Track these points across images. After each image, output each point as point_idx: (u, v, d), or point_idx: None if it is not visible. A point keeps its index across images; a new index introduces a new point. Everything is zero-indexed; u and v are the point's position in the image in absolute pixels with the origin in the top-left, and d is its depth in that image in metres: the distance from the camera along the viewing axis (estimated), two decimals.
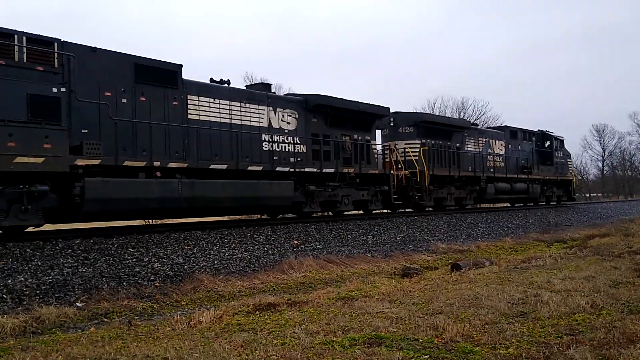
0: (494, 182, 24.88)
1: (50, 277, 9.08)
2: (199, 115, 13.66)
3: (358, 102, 18.37)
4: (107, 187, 11.22)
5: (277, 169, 15.16)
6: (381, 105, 19.34)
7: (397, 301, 7.62)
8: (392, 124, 21.27)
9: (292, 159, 15.91)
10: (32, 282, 8.75)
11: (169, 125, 12.83)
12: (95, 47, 11.80)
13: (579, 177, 52.71)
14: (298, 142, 16.20)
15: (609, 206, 35.16)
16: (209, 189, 13.09)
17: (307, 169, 16.04)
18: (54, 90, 10.50)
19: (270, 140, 15.37)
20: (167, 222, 15.13)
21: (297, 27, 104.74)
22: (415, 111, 22.72)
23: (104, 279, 9.48)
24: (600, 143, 79.86)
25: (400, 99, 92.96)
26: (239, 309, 7.53)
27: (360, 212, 19.37)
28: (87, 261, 10.00)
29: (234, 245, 12.67)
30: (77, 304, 8.38)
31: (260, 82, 17.15)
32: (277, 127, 15.72)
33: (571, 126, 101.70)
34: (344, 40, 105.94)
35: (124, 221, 14.29)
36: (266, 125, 15.38)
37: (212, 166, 13.50)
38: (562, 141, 32.19)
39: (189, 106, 13.46)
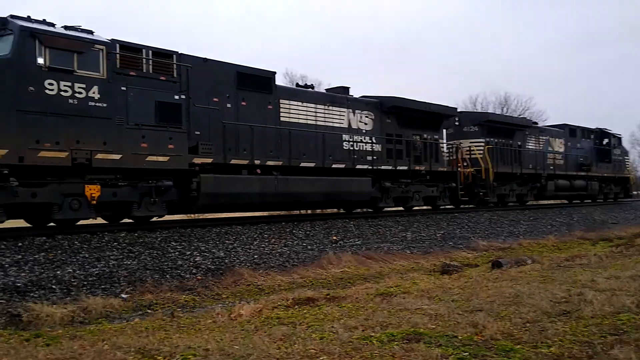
0: (554, 179, 25.39)
1: (97, 269, 9.39)
2: (289, 117, 14.97)
3: (428, 103, 19.49)
4: (218, 183, 12.65)
5: (357, 166, 16.36)
6: (448, 105, 20.57)
7: (436, 298, 7.58)
8: (457, 123, 22.08)
9: (369, 158, 16.97)
10: (80, 274, 9.08)
11: (265, 127, 14.14)
12: (206, 58, 13.16)
13: None
14: (374, 141, 17.25)
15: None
16: (301, 185, 14.49)
17: (383, 167, 17.20)
18: (176, 97, 12.10)
19: (350, 140, 16.53)
20: (208, 217, 15.42)
21: (336, 22, 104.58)
22: (480, 111, 23.88)
23: (147, 271, 9.76)
24: (616, 133, 77.04)
25: (442, 94, 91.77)
26: (279, 303, 7.63)
27: (429, 207, 20.05)
28: (131, 254, 10.29)
29: (273, 240, 12.82)
30: (122, 295, 8.65)
31: (340, 85, 18.28)
32: (356, 127, 16.86)
33: (619, 122, 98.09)
34: (386, 34, 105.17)
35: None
36: (346, 126, 16.56)
37: (302, 164, 14.85)
38: (619, 139, 32.65)
39: (281, 109, 14.81)
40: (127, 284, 9.15)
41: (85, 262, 9.53)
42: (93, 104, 10.73)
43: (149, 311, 8.00)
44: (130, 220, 12.28)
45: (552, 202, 28.43)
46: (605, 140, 30.91)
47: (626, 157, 33.64)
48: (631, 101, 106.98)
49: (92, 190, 10.79)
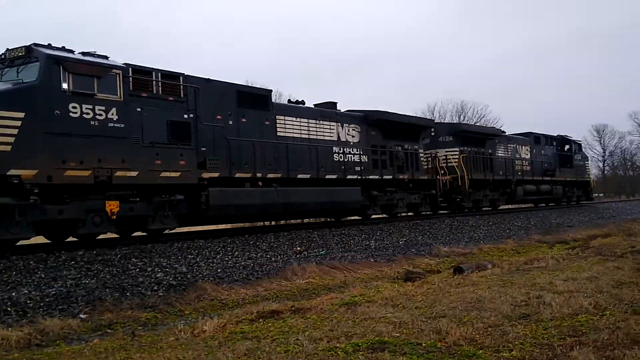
0: (522, 184, 27.36)
1: (54, 289, 9.09)
2: (285, 132, 16.11)
3: (409, 115, 21.84)
4: (225, 195, 13.61)
5: (348, 177, 17.69)
6: (426, 117, 23.34)
7: (400, 305, 7.62)
8: (433, 134, 23.58)
9: (357, 168, 18.25)
10: (36, 295, 8.77)
11: (264, 142, 15.21)
12: (209, 79, 14.17)
13: None
14: (361, 152, 18.61)
15: (610, 206, 35.11)
16: (298, 195, 15.63)
17: (371, 177, 18.55)
18: (185, 116, 13.05)
19: (340, 152, 17.79)
20: (170, 233, 15.17)
21: (298, 36, 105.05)
22: (453, 122, 26.02)
23: (107, 289, 9.50)
24: (601, 143, 79.97)
25: (401, 104, 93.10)
26: (243, 317, 7.53)
27: (411, 213, 21.47)
28: (90, 272, 10.02)
29: (237, 253, 12.70)
30: (81, 316, 8.39)
31: (329, 101, 19.76)
32: (345, 140, 18.16)
33: (571, 127, 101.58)
34: (344, 48, 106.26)
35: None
36: (336, 139, 17.84)
37: (299, 176, 15.99)
38: (580, 145, 35.34)
39: (278, 125, 15.93)
40: (86, 303, 8.88)
41: (42, 283, 9.22)
42: (112, 124, 11.57)
43: (109, 331, 7.77)
44: (143, 233, 13.31)
45: (522, 205, 30.07)
46: (567, 147, 32.98)
47: (586, 162, 36.12)
48: (584, 108, 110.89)
49: (112, 206, 11.58)
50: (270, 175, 15.05)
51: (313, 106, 18.44)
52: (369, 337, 5.85)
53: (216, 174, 13.52)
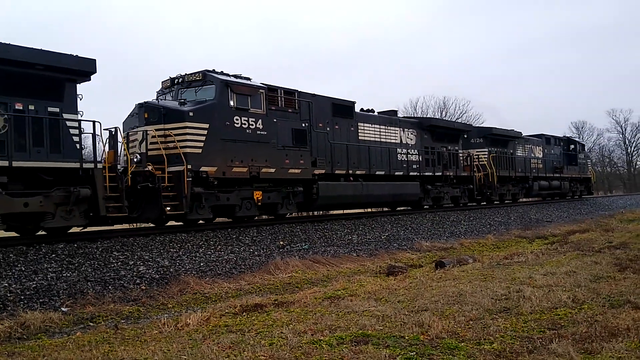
0: (537, 180, 31.20)
1: (34, 282, 9.01)
2: (364, 136, 19.34)
3: (453, 121, 28.08)
4: (329, 187, 17.02)
5: (411, 173, 21.19)
6: (466, 123, 27.50)
7: (382, 299, 7.70)
8: (465, 136, 26.61)
9: (414, 166, 21.63)
10: (16, 288, 8.69)
11: (352, 145, 18.49)
12: (314, 94, 17.29)
13: None
14: (417, 153, 21.94)
15: (588, 202, 35.69)
16: (377, 188, 19.12)
17: (426, 173, 22.09)
18: (303, 125, 16.46)
19: (402, 152, 21.10)
20: (151, 226, 15.07)
21: (282, 33, 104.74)
22: (484, 126, 29.86)
23: (89, 283, 9.44)
24: (580, 140, 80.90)
25: (385, 99, 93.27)
26: (226, 311, 7.54)
27: (452, 204, 24.51)
28: (71, 265, 9.94)
29: (219, 247, 12.68)
30: (63, 309, 8.33)
31: (391, 109, 23.74)
32: (405, 142, 21.45)
33: (551, 124, 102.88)
34: (334, 41, 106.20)
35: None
36: (399, 142, 21.12)
37: (377, 172, 19.32)
38: (583, 145, 40.14)
39: (359, 130, 19.14)
40: (67, 296, 8.82)
41: (22, 276, 9.13)
42: (259, 132, 14.86)
43: (91, 324, 7.73)
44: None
45: (534, 199, 33.42)
46: (572, 147, 37.03)
47: (588, 160, 40.89)
48: (564, 105, 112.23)
49: (258, 195, 14.91)
50: (358, 172, 18.41)
51: (377, 114, 21.38)
52: (352, 330, 5.91)
53: (323, 171, 16.98)
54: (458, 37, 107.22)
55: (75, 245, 10.92)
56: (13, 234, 11.71)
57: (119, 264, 10.52)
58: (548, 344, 5.12)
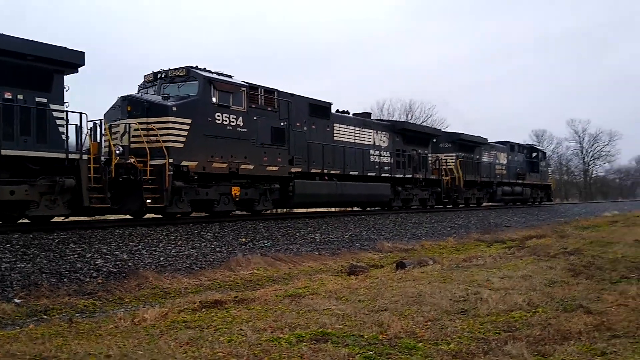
0: (501, 186, 32.29)
1: None
2: (339, 137, 19.94)
3: (424, 126, 29.83)
4: (305, 186, 17.48)
5: (382, 175, 21.85)
6: (436, 127, 28.51)
7: (343, 298, 7.72)
8: (434, 140, 27.54)
9: (386, 168, 22.35)
10: None
11: (328, 145, 19.01)
12: (293, 94, 17.73)
13: None
14: (389, 155, 22.62)
15: (546, 209, 36.61)
16: (351, 188, 19.71)
17: (397, 175, 22.83)
18: (282, 124, 16.87)
19: (375, 154, 21.72)
20: (110, 218, 14.77)
21: (259, 30, 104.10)
22: (452, 131, 30.43)
23: (43, 275, 9.19)
24: (541, 148, 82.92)
25: (350, 99, 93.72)
26: (185, 307, 7.45)
27: (420, 206, 25.57)
28: (26, 256, 9.66)
29: (180, 242, 12.51)
30: (16, 300, 8.09)
31: (366, 112, 24.55)
32: (378, 144, 22.12)
33: (513, 131, 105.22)
34: (306, 42, 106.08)
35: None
36: (372, 144, 21.71)
37: (350, 172, 19.95)
38: (545, 153, 41.80)
39: (335, 131, 19.75)
40: (21, 288, 8.56)
41: None
42: (240, 129, 15.19)
43: (45, 317, 7.52)
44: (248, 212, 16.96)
45: (497, 203, 34.57)
46: (534, 154, 38.63)
47: (549, 168, 42.98)
48: (526, 113, 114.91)
49: (236, 190, 15.21)
50: (332, 172, 18.95)
51: (352, 115, 22.09)
52: (312, 328, 5.91)
53: (300, 169, 17.41)
54: (424, 42, 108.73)
55: (31, 235, 10.63)
56: None
57: (76, 256, 10.28)
58: (503, 345, 5.23)
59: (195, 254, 12.02)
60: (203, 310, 7.28)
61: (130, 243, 11.64)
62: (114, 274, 9.97)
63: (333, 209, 23.16)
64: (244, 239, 13.86)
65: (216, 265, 11.54)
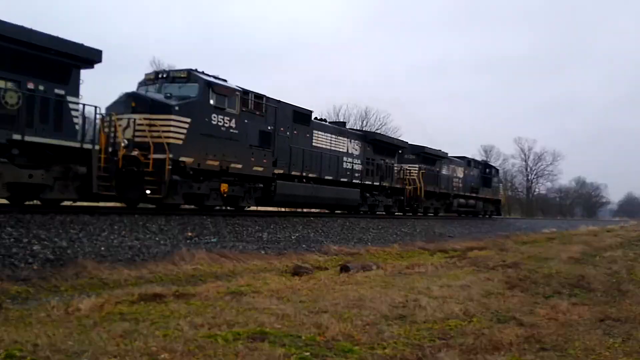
0: (457, 198, 34.56)
1: None
2: (318, 143, 21.03)
3: (393, 137, 31.10)
4: (285, 186, 18.68)
5: (354, 181, 23.24)
6: (403, 139, 31.01)
7: (285, 298, 7.73)
8: (400, 152, 28.82)
9: (357, 174, 23.66)
10: None
11: (308, 150, 20.12)
12: (279, 100, 18.82)
13: None
14: (360, 163, 23.97)
15: (489, 222, 37.66)
16: (324, 191, 20.88)
17: (366, 182, 24.25)
18: (269, 128, 17.99)
19: (348, 161, 23.06)
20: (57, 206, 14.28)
21: (213, 23, 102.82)
22: (417, 144, 31.16)
23: None
24: (495, 165, 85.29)
25: (303, 99, 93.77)
26: (123, 298, 7.29)
27: (384, 213, 27.10)
28: None
29: (124, 232, 12.23)
30: None
31: (341, 120, 27.13)
32: (351, 152, 23.43)
33: (463, 146, 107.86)
34: (265, 40, 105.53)
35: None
36: (345, 151, 23.02)
37: (326, 177, 21.11)
38: (497, 170, 44.73)
39: (313, 137, 20.82)
40: None
41: None
42: (232, 131, 16.24)
43: None
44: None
45: (452, 214, 35.68)
46: (488, 170, 41.13)
47: (500, 184, 45.38)
48: (475, 128, 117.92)
49: (224, 187, 16.22)
50: (310, 175, 20.15)
51: (329, 124, 23.64)
52: (250, 326, 5.89)
53: (282, 171, 18.55)
54: (381, 51, 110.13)
55: None
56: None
57: (12, 240, 9.90)
58: (437, 352, 5.35)
59: (139, 245, 11.78)
60: (141, 303, 7.15)
61: (71, 230, 11.29)
62: (51, 261, 9.66)
63: (275, 209, 23.59)
64: (190, 234, 13.67)
65: (159, 259, 11.32)
